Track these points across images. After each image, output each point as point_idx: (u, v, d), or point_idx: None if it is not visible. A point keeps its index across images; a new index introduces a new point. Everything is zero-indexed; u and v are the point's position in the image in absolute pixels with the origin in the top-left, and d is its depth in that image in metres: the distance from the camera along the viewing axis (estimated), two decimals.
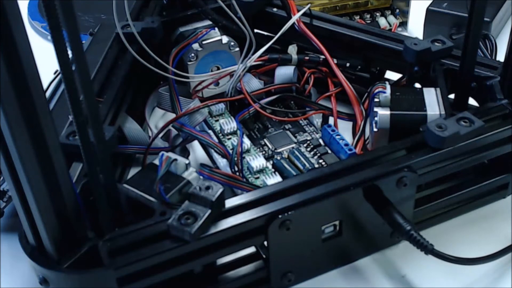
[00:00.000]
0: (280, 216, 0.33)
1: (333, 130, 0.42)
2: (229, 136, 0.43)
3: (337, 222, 0.36)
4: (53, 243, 0.31)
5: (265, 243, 0.34)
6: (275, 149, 0.43)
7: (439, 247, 0.34)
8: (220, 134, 0.43)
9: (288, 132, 0.44)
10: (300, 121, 0.45)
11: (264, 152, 0.42)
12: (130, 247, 0.32)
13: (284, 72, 0.47)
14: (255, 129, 0.45)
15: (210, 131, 0.44)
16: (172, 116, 0.44)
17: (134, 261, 0.31)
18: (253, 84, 0.46)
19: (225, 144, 0.42)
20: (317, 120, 0.45)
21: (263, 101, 0.45)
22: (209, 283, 0.36)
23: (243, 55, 0.47)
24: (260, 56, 0.45)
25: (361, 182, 0.35)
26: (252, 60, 0.44)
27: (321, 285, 0.37)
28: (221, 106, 0.45)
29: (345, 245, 0.37)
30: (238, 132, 0.42)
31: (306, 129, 0.45)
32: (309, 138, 0.44)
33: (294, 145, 0.43)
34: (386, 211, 0.36)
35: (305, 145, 0.43)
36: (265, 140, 0.44)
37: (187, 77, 0.46)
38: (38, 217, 0.30)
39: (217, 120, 0.44)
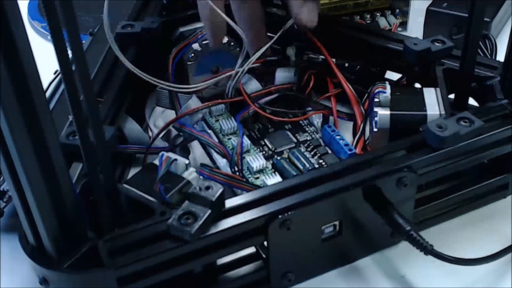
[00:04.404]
0: (280, 216, 0.33)
1: (333, 131, 0.42)
2: (229, 136, 0.43)
3: (337, 222, 0.36)
4: (53, 243, 0.31)
5: (265, 243, 0.34)
6: (275, 149, 0.43)
7: (439, 247, 0.34)
8: (220, 134, 0.43)
9: (288, 132, 0.44)
10: (300, 121, 0.45)
11: (264, 152, 0.42)
12: (130, 247, 0.32)
13: (284, 75, 0.46)
14: (255, 129, 0.45)
15: (210, 131, 0.44)
16: (172, 114, 0.44)
17: (134, 261, 0.31)
18: (253, 85, 0.46)
19: (225, 144, 0.42)
20: (318, 120, 0.45)
21: (262, 101, 0.44)
22: (209, 283, 0.36)
23: (241, 56, 0.46)
24: (257, 59, 0.45)
25: (361, 182, 0.35)
26: (251, 62, 0.44)
27: (321, 285, 0.37)
28: (221, 106, 0.45)
29: (345, 245, 0.37)
30: (238, 132, 0.42)
31: (306, 129, 0.44)
32: (309, 138, 0.44)
33: (294, 145, 0.43)
34: (386, 211, 0.36)
35: (305, 145, 0.43)
36: (265, 140, 0.44)
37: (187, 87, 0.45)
38: (38, 217, 0.30)
39: (217, 120, 0.44)
